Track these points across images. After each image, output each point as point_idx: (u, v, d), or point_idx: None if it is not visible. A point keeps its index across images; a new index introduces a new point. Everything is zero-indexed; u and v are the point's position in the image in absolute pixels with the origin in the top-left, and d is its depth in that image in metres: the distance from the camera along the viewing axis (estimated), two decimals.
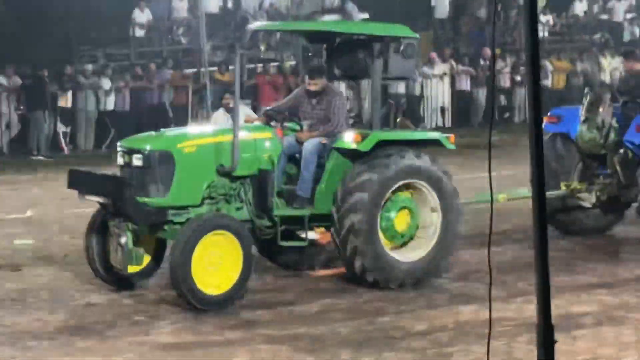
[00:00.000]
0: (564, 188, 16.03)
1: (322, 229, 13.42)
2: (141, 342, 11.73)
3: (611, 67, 33.50)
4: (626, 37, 35.89)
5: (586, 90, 17.79)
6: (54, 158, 28.37)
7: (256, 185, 13.03)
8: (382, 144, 13.28)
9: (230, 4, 34.23)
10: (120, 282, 13.25)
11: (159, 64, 31.57)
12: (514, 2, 32.78)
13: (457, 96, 32.44)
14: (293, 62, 32.48)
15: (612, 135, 15.81)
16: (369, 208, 12.96)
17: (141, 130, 27.39)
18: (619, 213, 16.53)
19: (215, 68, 30.44)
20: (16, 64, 29.64)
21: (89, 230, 13.24)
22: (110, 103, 29.89)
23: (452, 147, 13.90)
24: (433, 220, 13.60)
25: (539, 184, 5.69)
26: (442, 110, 32.37)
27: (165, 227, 12.66)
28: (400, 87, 31.88)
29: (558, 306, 6.00)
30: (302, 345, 11.57)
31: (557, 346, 5.51)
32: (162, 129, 14.56)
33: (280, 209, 13.16)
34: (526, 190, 16.17)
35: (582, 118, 15.94)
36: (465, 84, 32.71)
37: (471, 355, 10.86)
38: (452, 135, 14.16)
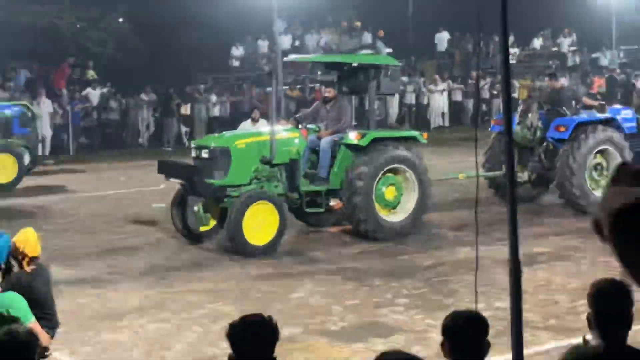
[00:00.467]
0: (504, 169, 15.80)
1: (337, 200, 13.54)
2: (238, 274, 11.81)
3: (559, 84, 33.12)
4: (570, 63, 35.57)
5: (519, 102, 18.08)
6: (178, 149, 28.50)
7: (288, 170, 13.22)
8: (376, 140, 13.39)
9: (297, 43, 34.12)
10: (193, 237, 13.30)
11: (248, 84, 31.59)
12: (492, 41, 32.44)
13: (453, 105, 32.30)
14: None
15: (538, 133, 15.80)
16: (366, 184, 13.12)
17: (236, 126, 27.56)
18: (543, 187, 16.41)
19: (287, 87, 30.39)
20: (151, 85, 29.74)
21: (173, 202, 13.40)
22: (216, 111, 29.93)
23: (424, 141, 13.98)
24: (412, 193, 13.71)
25: (511, 165, 5.66)
26: (442, 114, 32.19)
27: (225, 199, 12.76)
28: (412, 99, 31.78)
29: (523, 248, 5.95)
30: (349, 275, 11.61)
31: (523, 275, 5.48)
32: (223, 132, 14.78)
33: (305, 186, 13.28)
34: (481, 171, 16.18)
35: (517, 121, 15.90)
36: (458, 96, 32.57)
37: (464, 282, 10.85)
38: (425, 133, 14.40)
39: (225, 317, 9.57)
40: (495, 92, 30.47)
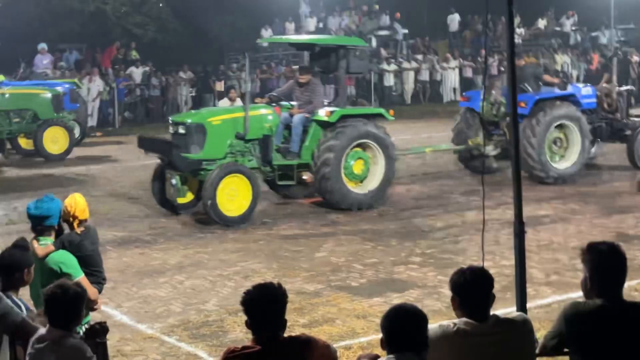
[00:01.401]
0: (470, 143, 15.55)
1: (309, 173, 13.09)
2: (268, 234, 11.85)
3: (562, 60, 32.85)
4: (572, 41, 35.18)
5: (487, 78, 17.89)
6: None
7: (261, 145, 12.82)
8: (345, 117, 12.98)
9: (321, 25, 33.93)
10: (173, 209, 12.94)
11: (276, 63, 31.49)
12: (500, 21, 32.07)
13: (464, 81, 32.01)
14: None
15: (502, 109, 15.31)
16: (335, 157, 12.72)
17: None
18: (508, 159, 15.69)
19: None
20: (189, 64, 29.73)
21: (153, 176, 13.00)
22: (247, 87, 29.87)
23: (391, 118, 13.49)
24: (378, 167, 13.28)
25: (516, 140, 5.61)
26: (454, 90, 31.91)
27: (201, 172, 12.36)
28: (426, 75, 31.57)
29: (527, 211, 5.91)
30: (367, 236, 11.61)
31: (526, 236, 5.45)
32: (201, 109, 14.46)
33: (278, 160, 12.87)
34: (446, 145, 16.31)
35: (482, 97, 15.62)
36: (469, 73, 32.27)
37: (472, 242, 10.84)
38: (391, 110, 13.93)
39: (256, 274, 9.65)
40: (502, 69, 30.20)
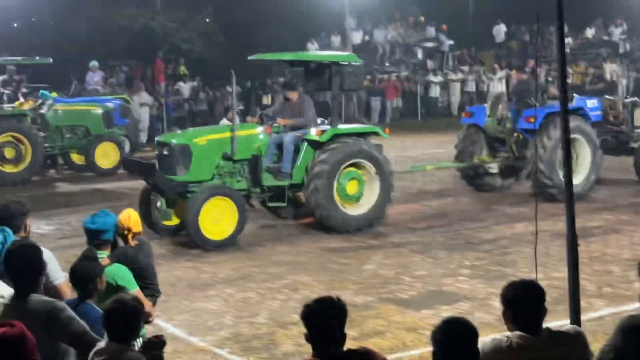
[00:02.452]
0: (476, 160, 15.11)
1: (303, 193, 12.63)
2: (316, 247, 11.87)
3: (610, 69, 32.50)
4: (621, 50, 34.77)
5: (490, 95, 17.19)
6: None
7: (250, 166, 12.31)
8: (337, 136, 12.52)
9: (367, 38, 34.01)
10: (161, 232, 12.35)
11: None
12: (547, 30, 31.83)
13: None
14: (406, 72, 32.23)
15: (508, 125, 14.89)
16: (326, 178, 12.26)
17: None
18: (514, 177, 15.44)
19: None
20: (236, 78, 29.88)
21: (139, 199, 12.46)
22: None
23: (386, 136, 13.02)
24: (374, 186, 12.76)
25: (567, 152, 5.57)
26: None
27: (188, 194, 11.78)
28: (472, 86, 31.44)
29: (578, 222, 5.87)
30: (415, 247, 11.59)
31: (579, 248, 5.41)
32: (187, 129, 14.02)
33: (268, 181, 12.36)
34: (448, 162, 15.94)
35: (488, 113, 15.18)
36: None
37: (522, 254, 10.77)
38: (387, 128, 13.49)
39: (305, 286, 9.69)
40: (550, 79, 29.94)
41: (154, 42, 31.46)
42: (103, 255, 5.92)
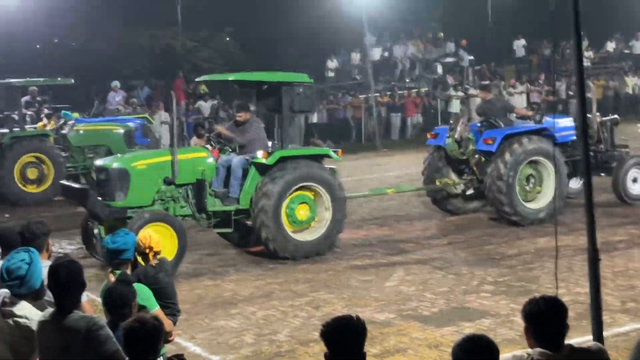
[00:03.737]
0: (438, 183, 14.51)
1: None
2: (338, 264, 11.85)
3: (633, 83, 32.34)
4: None
5: (453, 114, 16.47)
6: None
7: (195, 190, 11.83)
8: (285, 159, 11.97)
9: (386, 54, 34.05)
10: (101, 259, 11.35)
11: (343, 93, 31.66)
12: (568, 44, 31.78)
13: (530, 106, 31.72)
14: (426, 88, 32.24)
15: (470, 146, 14.08)
16: (273, 203, 11.73)
17: (332, 132, 27.54)
18: (481, 200, 14.63)
19: (377, 94, 30.38)
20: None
21: (81, 225, 12.08)
22: (314, 118, 30.10)
23: (338, 159, 12.47)
24: (325, 211, 12.26)
25: (587, 165, 5.53)
26: None
27: (128, 220, 11.13)
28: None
29: (601, 237, 5.82)
30: (437, 264, 11.54)
31: (601, 262, 5.37)
32: (128, 153, 13.64)
33: (213, 206, 11.86)
34: (409, 186, 15.64)
35: (447, 134, 14.33)
36: (536, 97, 31.93)
37: (545, 269, 10.70)
38: (339, 150, 12.72)
39: (326, 304, 9.67)
40: (571, 93, 29.83)
41: (175, 62, 31.71)
42: None
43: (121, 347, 4.34)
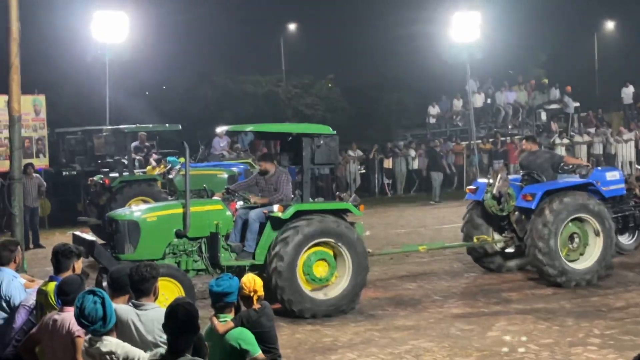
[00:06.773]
0: (475, 240, 13.78)
1: None
2: (439, 312, 11.72)
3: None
4: None
5: (490, 168, 15.83)
6: (381, 198, 28.88)
7: (208, 244, 11.49)
8: (303, 212, 11.53)
9: (489, 101, 33.84)
10: None
11: (444, 139, 31.56)
12: None
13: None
14: (530, 134, 31.84)
15: (510, 202, 13.36)
16: (288, 258, 11.24)
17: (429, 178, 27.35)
18: (523, 257, 13.66)
19: (480, 141, 30.16)
20: (357, 141, 30.29)
21: (97, 276, 11.63)
22: (415, 164, 30.07)
23: (359, 213, 11.83)
24: (345, 267, 11.70)
25: None
26: (630, 163, 30.80)
27: None
28: (599, 149, 30.65)
29: None
30: (541, 315, 11.28)
31: None
32: (141, 205, 13.54)
33: (227, 261, 11.43)
34: (441, 243, 15.20)
35: (486, 190, 13.58)
36: None
37: None
38: (361, 205, 12.07)
39: (427, 352, 9.57)
40: None
41: (278, 107, 32.32)
42: (227, 318, 6.05)
43: None
